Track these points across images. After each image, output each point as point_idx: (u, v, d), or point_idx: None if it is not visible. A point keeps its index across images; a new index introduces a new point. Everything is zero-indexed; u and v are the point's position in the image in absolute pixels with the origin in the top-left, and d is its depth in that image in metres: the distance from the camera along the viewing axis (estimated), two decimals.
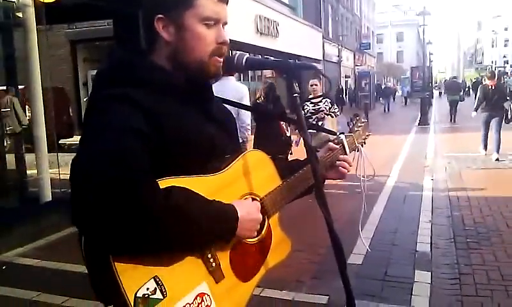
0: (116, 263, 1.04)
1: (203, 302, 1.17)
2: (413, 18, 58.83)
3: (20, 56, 6.22)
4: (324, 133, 4.66)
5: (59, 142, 5.95)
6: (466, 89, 40.95)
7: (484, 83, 11.21)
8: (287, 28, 24.03)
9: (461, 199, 6.64)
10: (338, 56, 38.26)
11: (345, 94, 36.02)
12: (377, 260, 4.48)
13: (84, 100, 20.20)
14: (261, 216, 1.32)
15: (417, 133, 15.89)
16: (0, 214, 5.43)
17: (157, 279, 1.09)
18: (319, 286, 3.86)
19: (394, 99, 36.23)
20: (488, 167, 8.98)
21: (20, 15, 5.88)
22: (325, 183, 1.81)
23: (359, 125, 1.87)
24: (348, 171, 1.68)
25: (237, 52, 1.44)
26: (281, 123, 7.38)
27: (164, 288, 1.10)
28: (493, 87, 10.16)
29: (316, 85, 6.21)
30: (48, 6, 5.93)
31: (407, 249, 4.77)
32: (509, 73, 66.36)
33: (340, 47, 38.30)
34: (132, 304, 1.04)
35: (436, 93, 49.02)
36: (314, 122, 5.70)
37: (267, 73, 23.76)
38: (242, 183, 1.35)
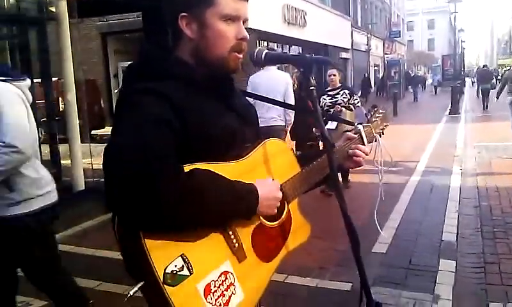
0: (146, 241, 1.13)
1: (227, 280, 1.26)
2: (445, 4, 57.38)
3: (53, 49, 6.42)
4: (343, 126, 4.60)
5: (91, 133, 6.14)
6: (499, 77, 39.91)
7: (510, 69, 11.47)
8: (314, 17, 23.86)
9: (490, 189, 6.56)
10: (367, 45, 37.77)
11: (373, 84, 35.56)
12: (401, 249, 4.52)
13: (115, 91, 20.57)
14: (281, 194, 1.40)
15: (447, 122, 15.62)
16: None
17: (184, 257, 1.18)
18: (342, 274, 3.91)
19: (424, 88, 35.54)
20: None
21: (53, 9, 6.06)
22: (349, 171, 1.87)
23: (377, 115, 1.90)
24: (364, 159, 1.72)
25: (258, 48, 1.50)
26: None
27: (191, 266, 1.19)
28: None
29: (334, 75, 6.14)
30: (79, 1, 6.12)
31: (432, 238, 4.77)
32: None
33: (369, 36, 37.78)
34: (162, 279, 1.13)
35: (468, 81, 47.86)
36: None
37: None
38: (262, 170, 1.43)
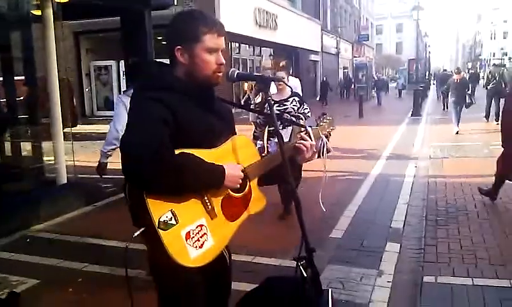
0: (148, 199, 1.70)
1: (201, 230, 1.82)
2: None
3: (38, 49, 6.82)
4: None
5: (64, 131, 6.49)
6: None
7: (452, 77, 14.41)
8: (285, 20, 24.52)
9: (439, 184, 7.27)
10: (337, 48, 38.77)
11: (337, 87, 36.37)
12: (355, 235, 5.13)
13: (87, 90, 20.78)
14: (242, 174, 1.96)
15: (409, 124, 16.47)
16: (19, 196, 6.03)
17: (173, 211, 1.75)
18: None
19: (387, 91, 36.17)
20: (469, 156, 9.62)
21: (38, 12, 6.44)
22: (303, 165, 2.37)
23: (324, 121, 2.42)
24: (307, 149, 2.19)
25: (232, 69, 2.08)
26: None
27: (177, 218, 1.75)
28: (458, 81, 13.41)
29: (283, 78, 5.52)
30: (64, 4, 6.52)
31: (383, 225, 5.41)
32: (507, 65, 66.82)
33: (338, 39, 38.80)
34: (157, 225, 1.69)
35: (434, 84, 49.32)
36: (280, 126, 5.23)
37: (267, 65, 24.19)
38: (232, 157, 2.01)
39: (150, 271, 2.04)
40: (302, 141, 2.19)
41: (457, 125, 13.00)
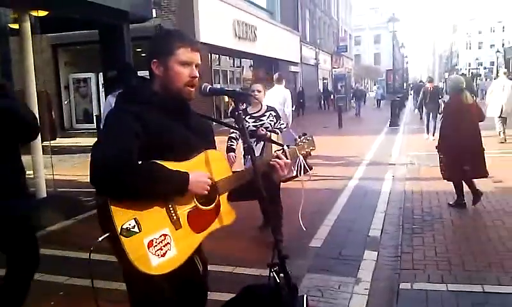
0: (112, 206, 1.77)
1: (165, 240, 1.87)
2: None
3: (14, 61, 6.81)
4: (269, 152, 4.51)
5: (42, 144, 6.42)
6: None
7: (425, 86, 15.62)
8: (265, 32, 24.72)
9: (415, 192, 7.43)
10: (316, 59, 39.17)
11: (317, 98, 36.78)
12: (334, 244, 5.22)
13: (65, 102, 20.59)
14: (209, 180, 2.01)
15: (387, 134, 16.73)
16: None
17: (136, 219, 1.81)
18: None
19: (365, 102, 36.58)
20: None
21: (15, 26, 6.44)
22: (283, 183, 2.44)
23: (304, 140, 2.45)
24: (281, 167, 2.23)
25: (204, 83, 2.15)
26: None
27: (140, 226, 1.82)
28: (431, 89, 14.49)
29: (259, 91, 5.44)
30: (41, 18, 6.53)
31: (361, 234, 5.51)
32: (482, 75, 68.37)
33: (317, 50, 39.21)
34: (119, 232, 1.75)
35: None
36: (254, 143, 5.13)
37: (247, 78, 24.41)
38: (204, 170, 2.05)
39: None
40: (277, 159, 2.24)
41: (433, 133, 13.24)
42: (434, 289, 3.97)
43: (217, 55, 21.08)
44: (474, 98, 7.40)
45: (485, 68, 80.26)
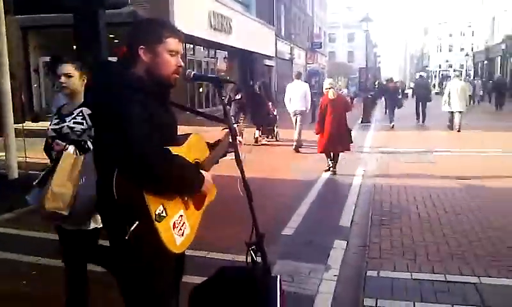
0: (147, 196, 1.90)
1: (182, 220, 2.09)
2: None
3: None
4: None
5: (14, 126, 6.41)
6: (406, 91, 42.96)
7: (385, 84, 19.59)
8: (240, 25, 24.66)
9: (385, 186, 7.64)
10: (291, 54, 39.33)
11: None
12: (305, 233, 5.36)
13: (35, 86, 20.14)
14: (212, 182, 2.23)
15: (358, 130, 16.98)
16: None
17: (164, 206, 1.96)
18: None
19: None
20: (412, 161, 10.12)
21: None
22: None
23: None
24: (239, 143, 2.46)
25: (189, 69, 2.27)
26: (269, 104, 13.11)
27: (166, 211, 1.98)
28: (392, 88, 18.80)
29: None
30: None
31: (331, 224, 5.67)
32: (451, 77, 69.94)
33: (292, 45, 39.35)
34: (154, 217, 1.91)
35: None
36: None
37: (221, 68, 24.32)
38: (193, 152, 2.23)
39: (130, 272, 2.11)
40: (239, 138, 2.46)
41: (392, 121, 17.72)
42: (399, 277, 4.13)
43: (191, 45, 20.98)
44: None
45: (454, 70, 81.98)
